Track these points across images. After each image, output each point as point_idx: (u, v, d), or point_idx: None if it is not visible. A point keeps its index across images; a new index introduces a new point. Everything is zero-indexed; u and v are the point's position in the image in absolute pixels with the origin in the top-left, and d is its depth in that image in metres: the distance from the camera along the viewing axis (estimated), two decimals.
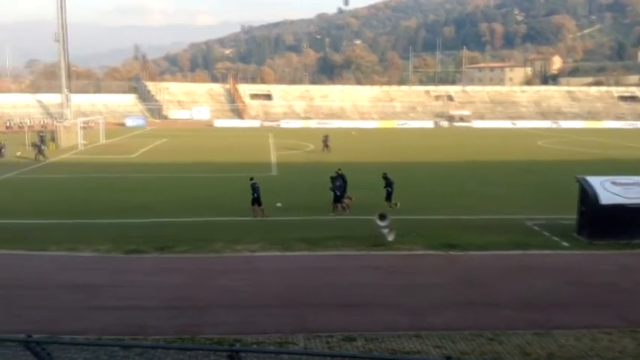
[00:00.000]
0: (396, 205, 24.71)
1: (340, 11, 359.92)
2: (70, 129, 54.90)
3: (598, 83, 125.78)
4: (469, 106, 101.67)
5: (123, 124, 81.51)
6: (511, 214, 24.08)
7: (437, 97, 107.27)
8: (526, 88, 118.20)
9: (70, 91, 64.03)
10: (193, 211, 24.24)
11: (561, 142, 60.81)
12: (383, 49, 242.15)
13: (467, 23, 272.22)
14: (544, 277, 15.81)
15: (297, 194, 28.22)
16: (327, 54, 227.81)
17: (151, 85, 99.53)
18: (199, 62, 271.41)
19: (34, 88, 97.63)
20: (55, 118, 68.79)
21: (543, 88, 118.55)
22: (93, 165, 40.55)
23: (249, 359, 9.31)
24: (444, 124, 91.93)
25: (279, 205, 23.94)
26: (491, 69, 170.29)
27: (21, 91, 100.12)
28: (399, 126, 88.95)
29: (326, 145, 48.58)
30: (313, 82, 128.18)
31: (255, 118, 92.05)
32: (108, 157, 44.98)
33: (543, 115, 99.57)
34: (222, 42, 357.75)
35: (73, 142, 51.94)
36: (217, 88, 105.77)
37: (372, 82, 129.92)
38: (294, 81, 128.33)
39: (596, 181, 20.15)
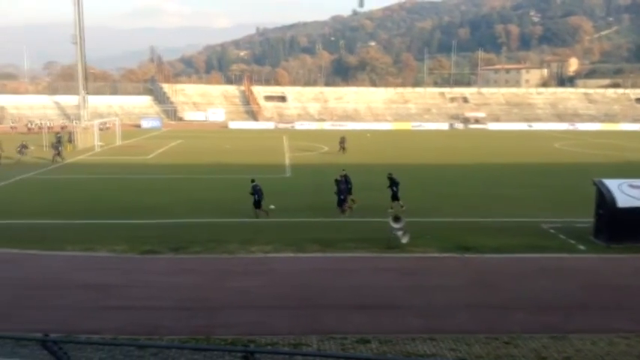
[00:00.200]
0: (402, 207, 24.62)
1: (355, 13, 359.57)
2: (86, 130, 55.42)
3: (615, 85, 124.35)
4: (484, 108, 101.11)
5: (139, 126, 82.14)
6: (527, 216, 23.89)
7: (452, 99, 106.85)
8: (542, 89, 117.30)
9: (87, 92, 64.56)
10: (207, 212, 24.34)
11: (578, 145, 60.24)
12: (397, 50, 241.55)
13: (482, 25, 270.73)
14: (560, 281, 15.66)
15: (311, 195, 28.25)
16: (341, 56, 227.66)
17: (166, 87, 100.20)
18: (214, 64, 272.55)
19: (52, 90, 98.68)
20: (72, 120, 69.51)
21: (560, 90, 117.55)
22: (109, 166, 40.89)
23: None
24: (459, 126, 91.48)
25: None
26: (507, 71, 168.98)
27: (38, 92, 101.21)
28: (414, 128, 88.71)
29: (343, 147, 48.69)
30: (327, 83, 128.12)
31: (269, 119, 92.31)
32: (124, 159, 45.32)
33: (560, 117, 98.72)
34: (237, 44, 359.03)
35: (89, 143, 52.42)
36: (232, 89, 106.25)
37: (387, 84, 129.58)
38: (308, 83, 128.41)
39: (613, 184, 19.91)
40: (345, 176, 25.27)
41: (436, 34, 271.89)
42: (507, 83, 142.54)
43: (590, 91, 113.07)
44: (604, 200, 19.68)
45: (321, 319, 12.83)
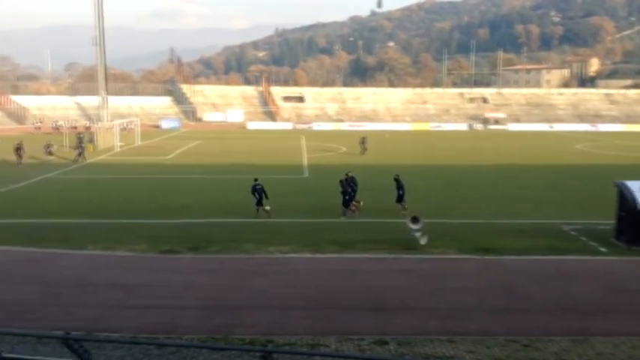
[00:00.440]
0: (405, 209, 24.53)
1: (373, 13, 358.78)
2: (107, 130, 56.00)
3: (637, 86, 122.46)
4: (504, 109, 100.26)
5: (158, 126, 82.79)
6: (547, 218, 23.67)
7: (471, 100, 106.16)
8: (563, 90, 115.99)
9: (108, 93, 65.17)
10: (226, 212, 24.46)
11: (599, 146, 59.48)
12: (416, 51, 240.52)
13: (502, 25, 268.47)
14: (581, 283, 15.48)
15: (329, 196, 28.20)
16: (359, 56, 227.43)
17: (185, 88, 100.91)
18: (233, 65, 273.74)
19: (73, 91, 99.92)
20: (93, 120, 70.28)
21: (581, 90, 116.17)
22: (129, 166, 41.28)
23: None
24: (479, 126, 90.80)
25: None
26: (528, 71, 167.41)
27: (60, 93, 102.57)
28: (433, 128, 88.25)
29: (364, 147, 48.73)
30: (345, 84, 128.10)
31: (287, 120, 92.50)
32: (144, 159, 45.72)
33: (581, 118, 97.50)
34: (255, 45, 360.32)
35: (110, 143, 52.97)
36: (250, 90, 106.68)
37: (405, 85, 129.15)
38: (326, 83, 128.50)
39: (635, 186, 19.63)
40: (352, 178, 25.28)
41: (455, 34, 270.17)
42: (528, 84, 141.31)
43: (612, 91, 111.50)
44: (625, 202, 19.44)
45: (338, 319, 12.82)
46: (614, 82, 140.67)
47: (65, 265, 17.20)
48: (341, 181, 24.70)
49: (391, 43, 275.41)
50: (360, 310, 13.46)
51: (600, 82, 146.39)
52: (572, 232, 21.22)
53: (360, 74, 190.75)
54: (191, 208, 25.66)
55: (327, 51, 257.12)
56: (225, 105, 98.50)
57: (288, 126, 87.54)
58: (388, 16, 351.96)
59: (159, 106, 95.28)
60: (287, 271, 16.69)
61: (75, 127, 66.02)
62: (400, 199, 24.96)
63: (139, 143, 57.43)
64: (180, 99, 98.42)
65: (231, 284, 15.28)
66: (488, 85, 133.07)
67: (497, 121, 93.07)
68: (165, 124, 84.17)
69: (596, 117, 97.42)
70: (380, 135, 69.39)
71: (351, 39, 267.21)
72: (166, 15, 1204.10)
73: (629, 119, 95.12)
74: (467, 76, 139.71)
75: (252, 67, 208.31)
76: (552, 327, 12.40)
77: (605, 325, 12.63)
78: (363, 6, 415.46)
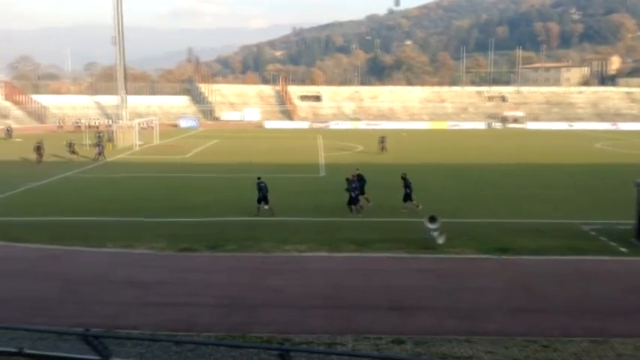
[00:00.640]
0: (417, 207, 24.47)
1: (391, 12, 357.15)
2: (126, 129, 56.54)
3: None
4: (523, 107, 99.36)
5: (176, 125, 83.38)
6: (566, 218, 23.43)
7: (489, 98, 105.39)
8: (583, 88, 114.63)
9: (127, 92, 65.80)
10: (243, 211, 24.55)
11: (620, 145, 58.70)
12: (434, 49, 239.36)
13: (521, 23, 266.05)
14: (601, 284, 15.31)
15: (345, 195, 28.16)
16: (377, 55, 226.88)
17: (203, 87, 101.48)
18: (250, 64, 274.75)
19: (93, 90, 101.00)
20: (113, 119, 71.02)
21: (601, 89, 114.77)
22: (147, 165, 41.62)
23: (299, 359, 9.41)
24: (497, 125, 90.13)
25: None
26: (547, 69, 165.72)
27: (80, 92, 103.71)
28: (450, 127, 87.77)
29: (383, 147, 48.65)
30: (363, 83, 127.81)
31: (304, 119, 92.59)
32: (162, 158, 46.08)
33: (601, 116, 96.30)
34: (272, 44, 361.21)
35: (129, 142, 53.46)
36: (267, 89, 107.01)
37: (423, 83, 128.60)
38: (343, 82, 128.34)
39: None
40: (359, 175, 25.24)
41: (474, 32, 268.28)
42: (547, 82, 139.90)
43: (633, 90, 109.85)
44: None
45: (355, 318, 12.82)
46: (635, 80, 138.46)
47: (85, 263, 17.42)
48: (347, 179, 24.72)
49: (409, 42, 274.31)
50: (377, 309, 13.44)
51: (621, 80, 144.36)
52: (592, 232, 20.98)
53: (377, 73, 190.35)
54: (209, 206, 25.82)
55: (345, 50, 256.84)
56: (243, 104, 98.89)
57: (305, 125, 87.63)
58: (406, 15, 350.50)
59: (177, 106, 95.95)
60: (304, 269, 16.73)
61: (97, 126, 66.74)
62: (407, 197, 24.88)
63: (158, 142, 57.89)
64: (198, 98, 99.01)
65: (248, 282, 15.36)
66: (506, 83, 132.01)
67: (515, 120, 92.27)
68: (183, 123, 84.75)
69: (616, 115, 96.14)
70: (397, 134, 69.16)
71: (369, 38, 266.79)
72: (185, 15, 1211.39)
73: None
74: (485, 74, 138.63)
75: (270, 67, 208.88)
76: (572, 328, 12.29)
77: (626, 326, 12.47)
78: (381, 4, 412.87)
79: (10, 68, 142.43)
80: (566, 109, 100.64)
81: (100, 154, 43.67)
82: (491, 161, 44.30)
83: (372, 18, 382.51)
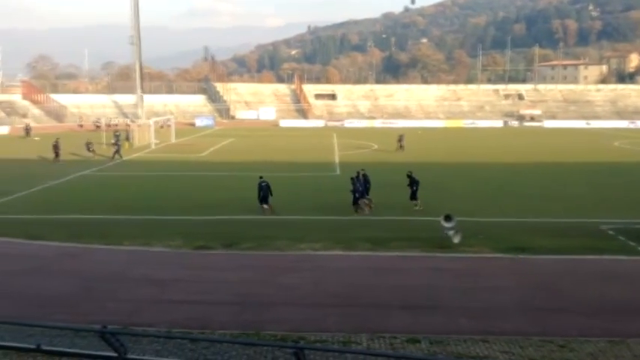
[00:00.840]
0: (418, 205, 24.43)
1: (406, 10, 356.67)
2: (143, 128, 56.97)
3: None
4: (540, 105, 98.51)
5: (193, 124, 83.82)
6: (585, 217, 23.17)
7: (506, 96, 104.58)
8: (601, 86, 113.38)
9: (143, 92, 66.43)
10: (258, 209, 24.59)
11: (639, 143, 57.94)
12: (450, 47, 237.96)
13: (539, 20, 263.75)
14: (618, 283, 15.11)
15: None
16: (392, 53, 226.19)
17: (219, 86, 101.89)
18: (266, 63, 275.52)
19: (110, 89, 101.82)
20: (130, 118, 71.59)
21: (620, 86, 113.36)
22: (164, 163, 41.90)
23: (313, 357, 9.42)
24: (514, 123, 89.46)
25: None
26: (565, 67, 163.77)
27: (97, 92, 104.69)
28: (466, 125, 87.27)
29: (401, 145, 48.53)
30: (378, 81, 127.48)
31: (319, 118, 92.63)
32: (178, 156, 46.36)
33: (620, 114, 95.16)
34: (288, 43, 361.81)
35: (146, 141, 53.85)
36: (283, 88, 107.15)
37: (439, 81, 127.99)
38: (359, 81, 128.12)
39: None
40: (364, 175, 25.20)
41: (490, 30, 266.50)
42: (565, 80, 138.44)
43: None
44: None
45: (370, 317, 12.79)
46: None
47: (102, 261, 17.58)
48: (352, 179, 24.69)
49: (424, 40, 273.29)
50: (392, 308, 13.40)
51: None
52: (610, 232, 20.73)
53: (392, 71, 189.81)
54: (224, 204, 25.92)
55: (360, 48, 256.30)
56: (258, 103, 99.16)
57: (320, 123, 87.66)
58: (422, 13, 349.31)
59: (193, 104, 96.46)
60: (319, 268, 16.73)
61: (116, 125, 67.41)
62: (414, 195, 24.79)
63: (174, 141, 58.25)
64: (214, 97, 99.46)
65: (263, 280, 15.40)
66: (523, 81, 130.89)
67: (532, 118, 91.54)
68: (199, 122, 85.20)
69: (635, 113, 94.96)
70: (413, 132, 68.91)
71: (384, 36, 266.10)
72: (201, 14, 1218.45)
73: None
74: (501, 72, 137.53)
75: (285, 65, 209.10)
76: (588, 328, 12.15)
77: None
78: (397, 2, 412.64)
79: (28, 68, 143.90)
80: (584, 107, 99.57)
81: (116, 152, 44.02)
82: (508, 160, 43.96)
83: (387, 16, 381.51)
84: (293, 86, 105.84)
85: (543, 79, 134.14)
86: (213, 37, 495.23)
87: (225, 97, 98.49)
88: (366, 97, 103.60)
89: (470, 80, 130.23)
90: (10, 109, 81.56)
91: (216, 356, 9.71)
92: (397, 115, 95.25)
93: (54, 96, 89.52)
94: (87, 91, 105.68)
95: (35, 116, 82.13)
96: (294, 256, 17.78)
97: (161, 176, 35.69)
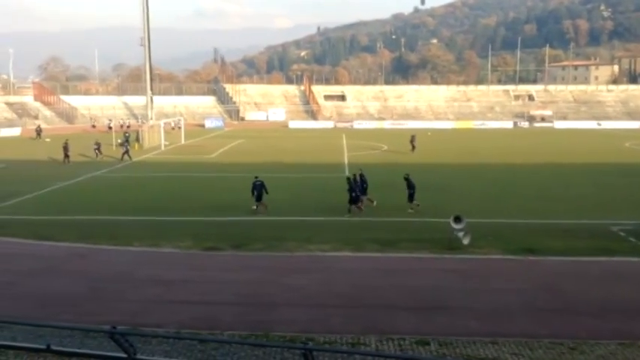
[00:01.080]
0: (417, 206, 24.44)
1: (416, 10, 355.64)
2: (153, 129, 57.20)
3: None
4: (551, 106, 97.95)
5: (202, 126, 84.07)
6: (595, 218, 23.01)
7: (516, 97, 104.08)
8: (613, 87, 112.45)
9: (153, 93, 66.63)
10: (268, 210, 24.62)
11: None
12: (460, 48, 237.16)
13: (549, 20, 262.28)
14: (629, 285, 15.00)
15: (369, 195, 28.10)
16: (402, 54, 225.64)
17: (229, 88, 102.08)
18: (275, 64, 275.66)
19: (120, 91, 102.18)
20: (140, 119, 71.89)
21: (631, 87, 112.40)
22: (174, 164, 42.06)
23: (322, 358, 9.41)
24: (524, 124, 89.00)
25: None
26: (575, 67, 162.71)
27: (108, 93, 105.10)
28: (476, 126, 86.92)
29: (413, 146, 48.43)
30: (387, 82, 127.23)
31: (328, 119, 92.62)
32: (188, 157, 46.51)
33: (631, 115, 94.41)
34: (297, 44, 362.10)
35: (155, 142, 54.06)
36: (292, 89, 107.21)
37: (449, 82, 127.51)
38: (368, 82, 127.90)
39: None
40: (361, 175, 25.20)
41: (500, 30, 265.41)
42: (575, 80, 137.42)
43: None
44: None
45: (379, 319, 12.77)
46: None
47: (112, 261, 17.66)
48: (348, 179, 24.78)
49: (434, 40, 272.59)
50: (401, 309, 13.37)
51: None
52: (621, 233, 20.58)
53: (402, 72, 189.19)
54: (234, 206, 25.96)
55: (369, 49, 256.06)
56: (268, 104, 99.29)
57: (329, 125, 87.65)
58: (431, 13, 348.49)
59: (203, 106, 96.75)
60: (327, 269, 16.72)
61: (128, 126, 67.72)
62: (411, 198, 24.72)
63: (184, 142, 58.45)
64: (223, 98, 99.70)
65: (272, 281, 15.41)
66: (533, 82, 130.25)
67: (543, 119, 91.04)
68: (209, 124, 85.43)
69: None
70: (422, 133, 68.71)
71: (394, 37, 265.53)
72: (210, 15, 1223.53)
73: None
74: (512, 73, 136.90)
75: (294, 66, 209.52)
76: (599, 330, 12.07)
77: None
78: (407, 3, 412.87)
79: (40, 70, 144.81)
80: (595, 107, 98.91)
81: (125, 153, 44.16)
82: (518, 161, 43.75)
83: (397, 17, 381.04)
84: (302, 87, 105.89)
85: (554, 80, 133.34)
86: (222, 39, 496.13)
87: (234, 99, 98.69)
88: (375, 98, 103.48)
89: (480, 81, 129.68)
90: (22, 111, 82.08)
91: (225, 357, 9.73)
92: (407, 116, 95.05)
93: (65, 97, 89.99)
94: (97, 93, 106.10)
95: (46, 118, 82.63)
96: (303, 257, 17.78)
97: (171, 177, 35.83)
